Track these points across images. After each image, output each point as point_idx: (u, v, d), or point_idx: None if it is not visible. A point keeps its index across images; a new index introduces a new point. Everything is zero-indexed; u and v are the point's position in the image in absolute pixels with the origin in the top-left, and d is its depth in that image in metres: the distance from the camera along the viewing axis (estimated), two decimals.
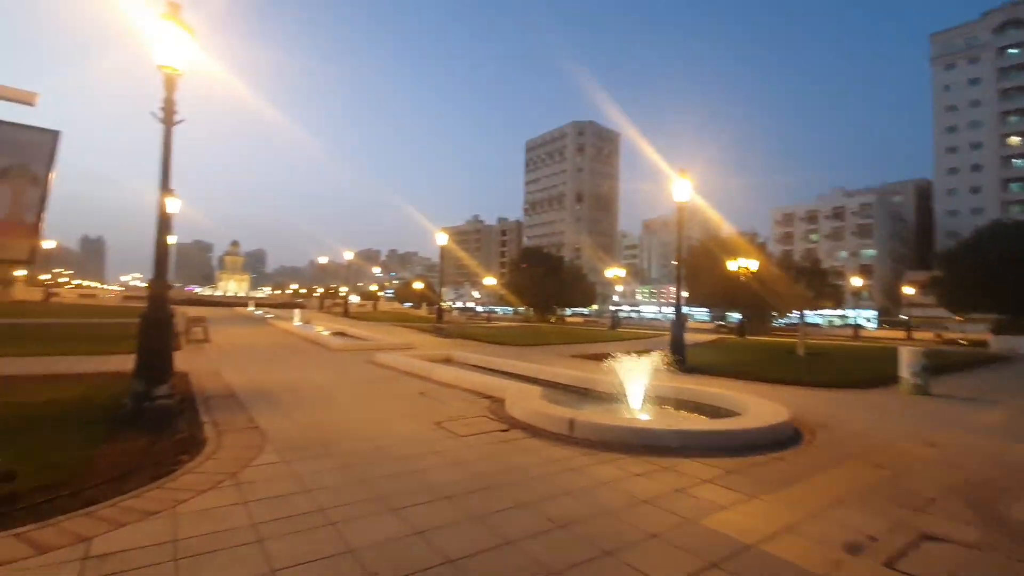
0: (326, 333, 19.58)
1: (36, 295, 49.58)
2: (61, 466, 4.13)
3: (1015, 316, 29.97)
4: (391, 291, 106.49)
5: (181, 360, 11.17)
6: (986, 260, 29.53)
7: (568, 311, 69.67)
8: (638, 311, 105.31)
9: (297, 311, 35.02)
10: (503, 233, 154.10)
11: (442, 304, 31.67)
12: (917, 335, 40.56)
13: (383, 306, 60.55)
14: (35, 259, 4.00)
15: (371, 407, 6.99)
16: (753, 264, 30.99)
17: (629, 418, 6.45)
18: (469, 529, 3.10)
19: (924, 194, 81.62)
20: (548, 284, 56.19)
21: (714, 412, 7.39)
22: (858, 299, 44.86)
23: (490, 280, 51.19)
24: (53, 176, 4.03)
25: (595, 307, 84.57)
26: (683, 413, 7.45)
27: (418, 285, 63.98)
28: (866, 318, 54.16)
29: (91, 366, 9.94)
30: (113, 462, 4.42)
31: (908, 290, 46.38)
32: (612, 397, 7.61)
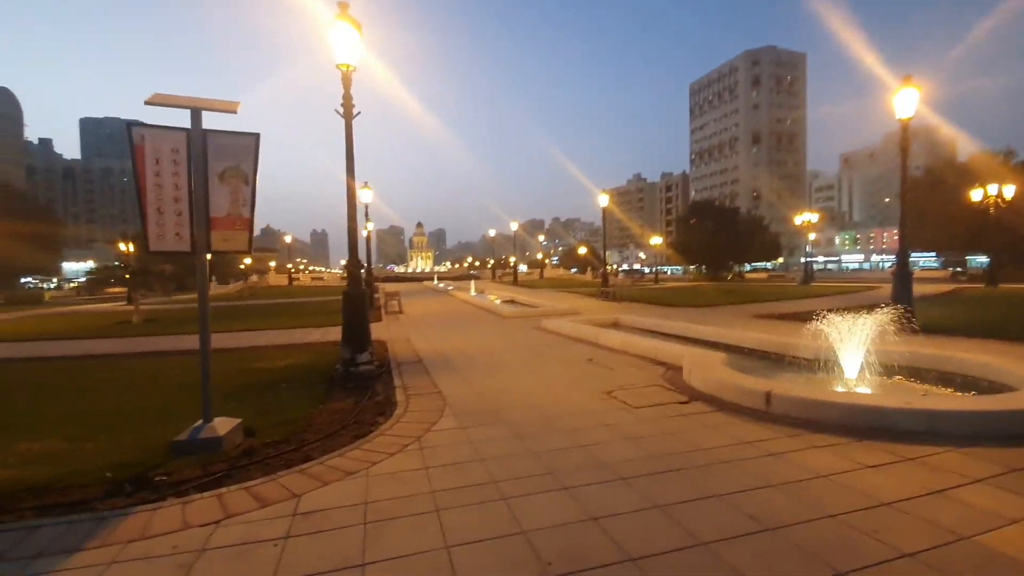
0: (497, 301, 20.63)
1: (283, 280, 62.25)
2: (288, 423, 4.87)
3: None
4: (556, 258, 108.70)
5: (381, 329, 12.78)
6: None
7: (747, 267, 62.88)
8: (837, 261, 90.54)
9: (472, 282, 37.82)
10: (667, 189, 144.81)
11: (606, 267, 31.01)
12: None
13: (549, 273, 62.10)
14: (250, 249, 4.66)
15: (540, 374, 6.97)
16: (1009, 190, 23.89)
17: (847, 392, 5.28)
18: (650, 521, 2.72)
19: None
20: (720, 239, 51.18)
21: (968, 385, 5.72)
22: None
23: (655, 239, 48.49)
24: (257, 174, 4.60)
25: (780, 260, 74.81)
26: (922, 386, 5.90)
27: (582, 250, 63.88)
28: None
29: (317, 336, 11.95)
30: (327, 420, 5.08)
31: None
32: (815, 365, 6.39)
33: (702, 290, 27.62)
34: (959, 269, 39.61)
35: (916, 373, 6.21)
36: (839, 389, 5.59)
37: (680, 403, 5.18)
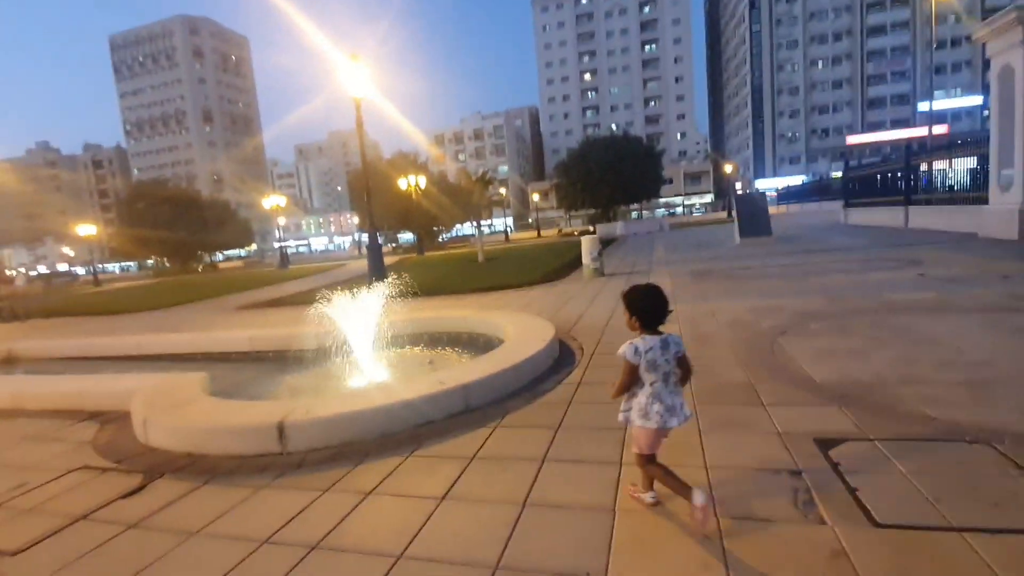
0: None
1: None
2: None
3: (605, 209, 40.11)
4: None
5: None
6: (588, 168, 37.85)
7: (220, 256, 58.30)
8: (307, 244, 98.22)
9: None
10: (97, 165, 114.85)
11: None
12: (544, 232, 50.62)
13: None
14: None
15: None
16: (423, 181, 31.29)
17: (377, 387, 4.23)
18: None
19: (535, 118, 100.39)
20: (184, 226, 44.54)
21: (465, 342, 5.95)
22: (503, 208, 52.55)
23: (87, 228, 36.33)
24: None
25: (254, 247, 73.78)
26: (429, 352, 5.73)
27: None
28: (507, 224, 63.94)
29: None
30: None
31: (535, 197, 56.81)
32: (325, 357, 5.26)
33: (166, 287, 22.69)
34: (395, 244, 50.21)
35: (422, 337, 6.09)
36: (364, 385, 4.57)
37: (128, 495, 2.74)
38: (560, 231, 49.32)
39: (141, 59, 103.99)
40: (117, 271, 74.39)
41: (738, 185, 70.75)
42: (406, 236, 48.90)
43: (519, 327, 5.12)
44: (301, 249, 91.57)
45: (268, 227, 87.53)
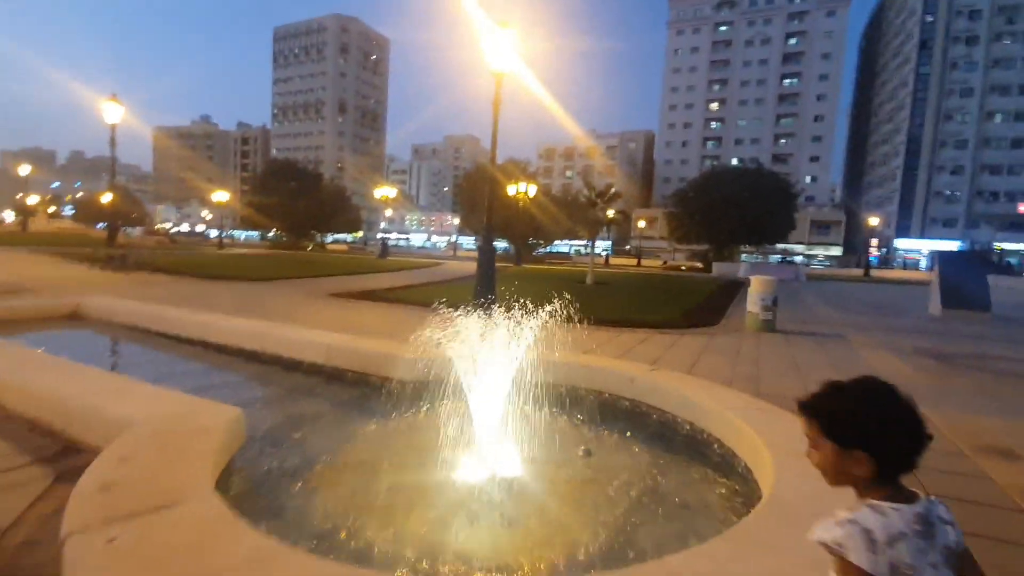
0: None
1: None
2: None
3: (720, 247, 36.21)
4: (70, 207, 77.64)
5: None
6: (711, 199, 34.32)
7: (329, 237, 61.24)
8: (407, 239, 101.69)
9: None
10: (244, 142, 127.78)
11: (118, 222, 21.64)
12: (644, 262, 47.21)
13: (44, 226, 42.37)
14: None
15: None
16: (532, 190, 29.78)
17: None
18: None
19: (649, 143, 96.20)
20: (303, 205, 46.98)
21: (637, 418, 3.79)
22: (606, 231, 49.94)
23: (222, 195, 39.11)
24: None
25: (360, 234, 77.23)
26: (599, 436, 3.58)
27: (107, 198, 45.53)
28: (604, 248, 61.25)
29: None
30: None
31: (640, 224, 53.63)
32: (419, 399, 3.37)
33: (273, 259, 22.96)
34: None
35: (557, 395, 3.99)
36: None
37: None
38: (665, 263, 45.66)
39: (296, 51, 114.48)
40: (243, 238, 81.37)
41: (873, 242, 62.28)
42: (499, 244, 47.90)
43: (765, 431, 2.84)
44: (400, 243, 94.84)
45: (375, 217, 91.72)
